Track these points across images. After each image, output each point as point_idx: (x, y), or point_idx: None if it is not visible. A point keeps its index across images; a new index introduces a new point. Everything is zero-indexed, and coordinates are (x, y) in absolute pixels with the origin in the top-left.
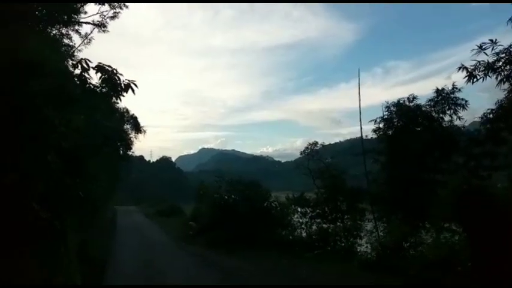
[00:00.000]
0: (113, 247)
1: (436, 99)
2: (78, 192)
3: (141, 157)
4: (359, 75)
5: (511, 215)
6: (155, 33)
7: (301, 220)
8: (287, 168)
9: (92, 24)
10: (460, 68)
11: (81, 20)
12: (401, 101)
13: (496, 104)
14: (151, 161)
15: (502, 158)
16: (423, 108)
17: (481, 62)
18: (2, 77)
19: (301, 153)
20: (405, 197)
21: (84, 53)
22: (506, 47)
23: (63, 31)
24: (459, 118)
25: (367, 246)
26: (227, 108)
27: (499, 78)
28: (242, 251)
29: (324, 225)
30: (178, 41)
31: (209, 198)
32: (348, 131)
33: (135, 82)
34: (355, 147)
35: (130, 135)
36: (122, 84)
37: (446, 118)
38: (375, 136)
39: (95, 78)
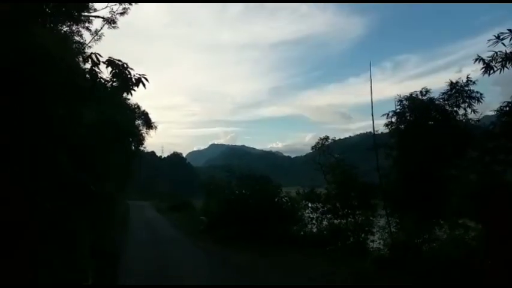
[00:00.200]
0: (125, 242)
1: (449, 92)
2: (90, 188)
3: (153, 153)
4: (370, 69)
5: None
6: (163, 29)
7: (311, 215)
8: (296, 164)
9: (101, 18)
10: (476, 60)
11: (91, 15)
12: (413, 95)
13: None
14: (163, 156)
15: None
16: (436, 102)
17: (499, 53)
18: (11, 71)
19: (312, 148)
20: (418, 193)
21: (94, 49)
22: None
23: (74, 28)
24: (474, 111)
25: (379, 243)
26: (236, 104)
27: None
28: (254, 246)
29: (335, 221)
30: (186, 37)
31: (220, 193)
32: (357, 126)
33: (146, 76)
34: (364, 142)
35: (142, 131)
36: (133, 79)
37: (461, 112)
38: (385, 131)
39: (105, 72)
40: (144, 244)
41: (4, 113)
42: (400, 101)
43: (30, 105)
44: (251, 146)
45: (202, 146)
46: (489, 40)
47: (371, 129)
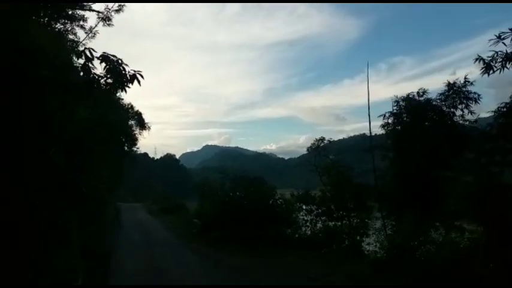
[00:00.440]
0: (116, 244)
1: (447, 93)
2: (81, 188)
3: (146, 154)
4: (368, 69)
5: None
6: (159, 29)
7: (306, 218)
8: (290, 165)
9: (96, 11)
10: (476, 60)
11: (86, 13)
12: (410, 96)
13: (510, 97)
14: (156, 158)
15: None
16: (433, 103)
17: (499, 53)
18: (4, 68)
19: (307, 149)
20: (414, 194)
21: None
22: None
23: (68, 27)
24: (471, 112)
25: (375, 245)
26: (230, 105)
27: None
28: (248, 249)
29: (329, 223)
30: (182, 36)
31: (214, 194)
32: (351, 128)
33: (141, 73)
34: (359, 144)
35: (135, 132)
36: (128, 75)
37: (458, 113)
38: (381, 132)
39: (99, 68)
40: (135, 246)
41: None
42: (397, 101)
43: (24, 102)
44: (245, 148)
45: (196, 148)
46: (490, 40)
47: (365, 131)
